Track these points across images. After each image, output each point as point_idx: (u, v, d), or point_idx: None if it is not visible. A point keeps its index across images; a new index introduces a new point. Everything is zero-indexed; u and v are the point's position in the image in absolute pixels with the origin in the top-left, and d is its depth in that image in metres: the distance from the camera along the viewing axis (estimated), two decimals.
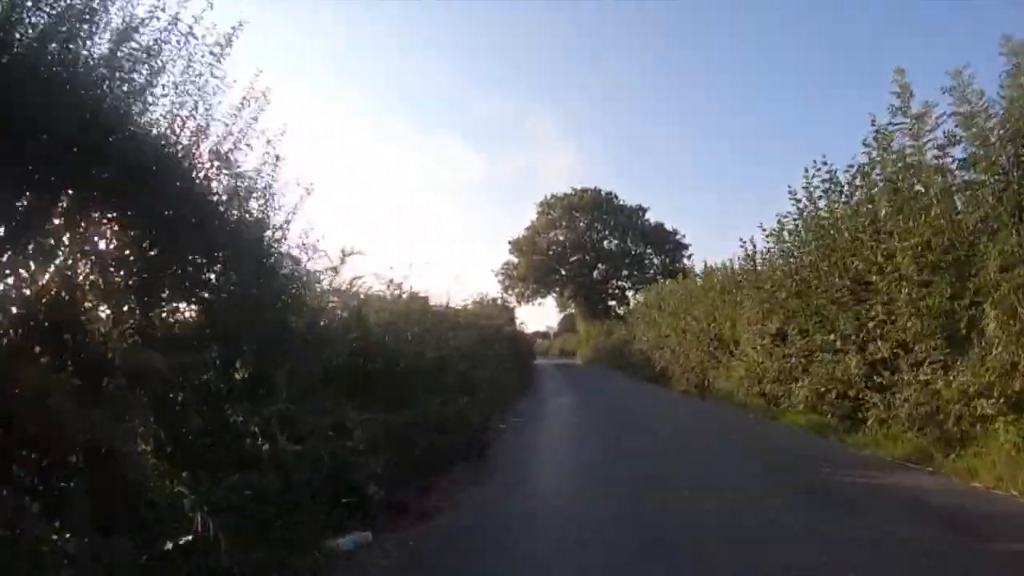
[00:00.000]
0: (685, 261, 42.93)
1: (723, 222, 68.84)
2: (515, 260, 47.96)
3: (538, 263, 46.74)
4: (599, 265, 47.91)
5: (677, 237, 47.52)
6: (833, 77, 61.27)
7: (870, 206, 9.28)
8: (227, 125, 4.95)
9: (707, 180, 73.82)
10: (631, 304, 38.94)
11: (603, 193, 47.73)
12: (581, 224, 46.82)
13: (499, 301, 28.05)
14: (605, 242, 47.52)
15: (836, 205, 10.52)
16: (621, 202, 48.11)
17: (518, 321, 32.98)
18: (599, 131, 77.35)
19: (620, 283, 48.53)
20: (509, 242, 48.41)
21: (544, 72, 75.34)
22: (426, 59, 68.85)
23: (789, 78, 63.55)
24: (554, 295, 49.80)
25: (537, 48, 72.58)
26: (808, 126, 63.06)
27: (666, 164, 72.39)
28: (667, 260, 45.98)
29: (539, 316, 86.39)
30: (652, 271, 46.00)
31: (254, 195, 5.34)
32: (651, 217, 48.43)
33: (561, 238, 47.40)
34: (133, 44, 4.08)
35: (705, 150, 71.65)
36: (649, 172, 73.57)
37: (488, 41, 71.55)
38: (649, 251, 47.09)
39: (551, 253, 46.72)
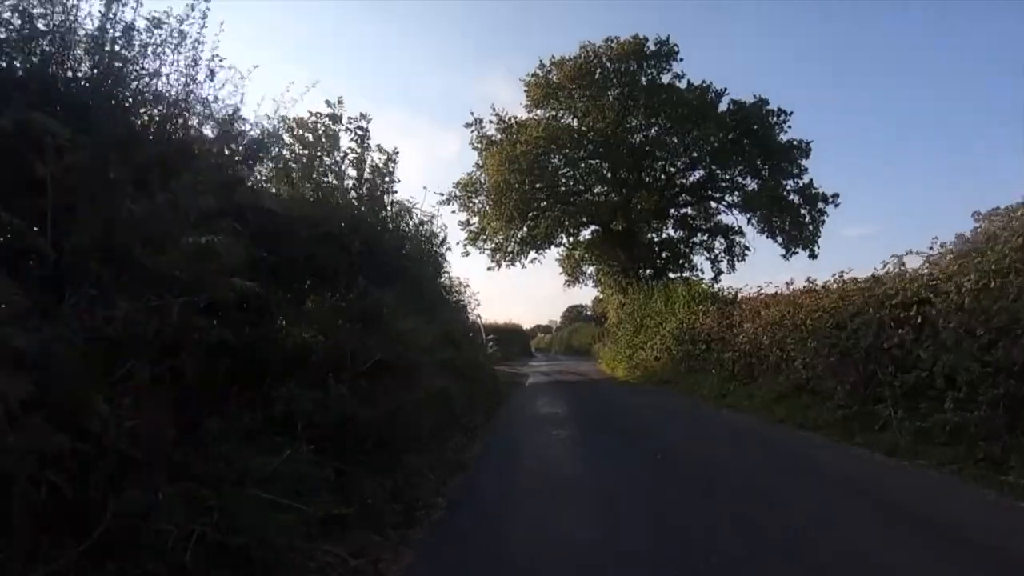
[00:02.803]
0: None
1: None
2: (478, 179, 26.81)
3: (523, 186, 24.99)
4: (654, 164, 27.00)
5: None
6: None
7: None
8: None
9: None
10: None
11: (649, 44, 26.24)
12: (610, 96, 25.70)
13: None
14: (654, 131, 26.51)
15: None
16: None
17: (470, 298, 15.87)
18: None
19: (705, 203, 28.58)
20: (473, 146, 27.09)
21: None
22: None
23: None
24: (563, 246, 29.36)
25: None
26: None
27: None
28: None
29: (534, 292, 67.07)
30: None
31: None
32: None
33: (573, 122, 26.13)
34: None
35: None
36: None
37: None
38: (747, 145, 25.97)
39: (549, 166, 25.70)
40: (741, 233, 29.33)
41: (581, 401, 13.01)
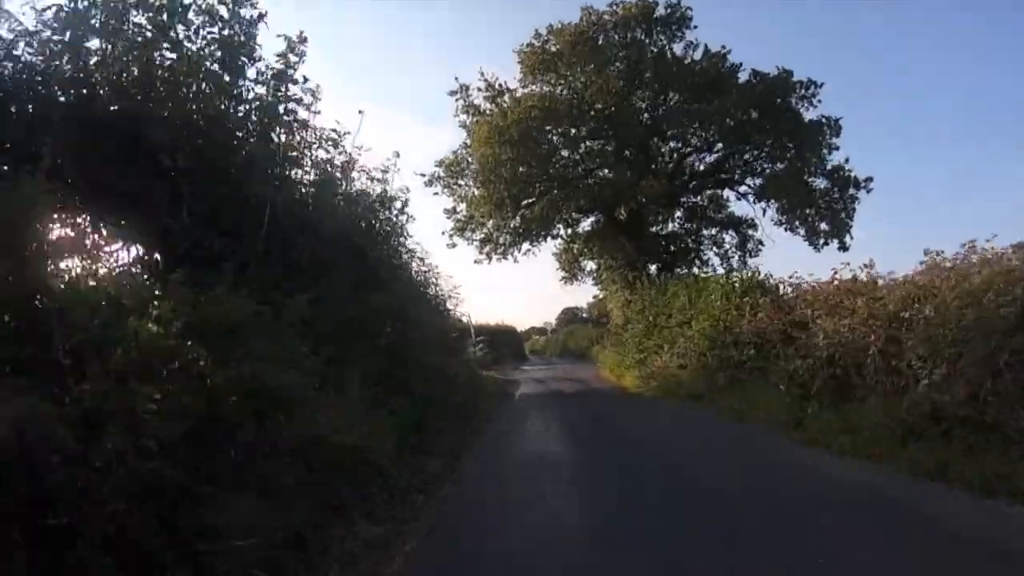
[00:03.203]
0: None
1: None
2: (464, 158, 23.20)
3: (514, 163, 21.26)
4: (663, 145, 23.79)
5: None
6: None
7: None
8: None
9: None
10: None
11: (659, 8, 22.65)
12: (615, 66, 22.14)
13: None
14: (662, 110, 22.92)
15: None
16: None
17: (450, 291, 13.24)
18: None
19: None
20: (458, 120, 23.29)
21: None
22: None
23: None
24: (560, 238, 26.09)
25: None
26: None
27: None
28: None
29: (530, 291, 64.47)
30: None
31: None
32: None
33: (573, 97, 22.37)
34: None
35: None
36: None
37: None
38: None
39: (545, 144, 22.11)
40: (754, 226, 26.25)
41: (590, 428, 9.57)
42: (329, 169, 6.48)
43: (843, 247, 23.86)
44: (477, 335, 31.80)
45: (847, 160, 23.22)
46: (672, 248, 25.54)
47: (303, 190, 6.03)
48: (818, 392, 7.46)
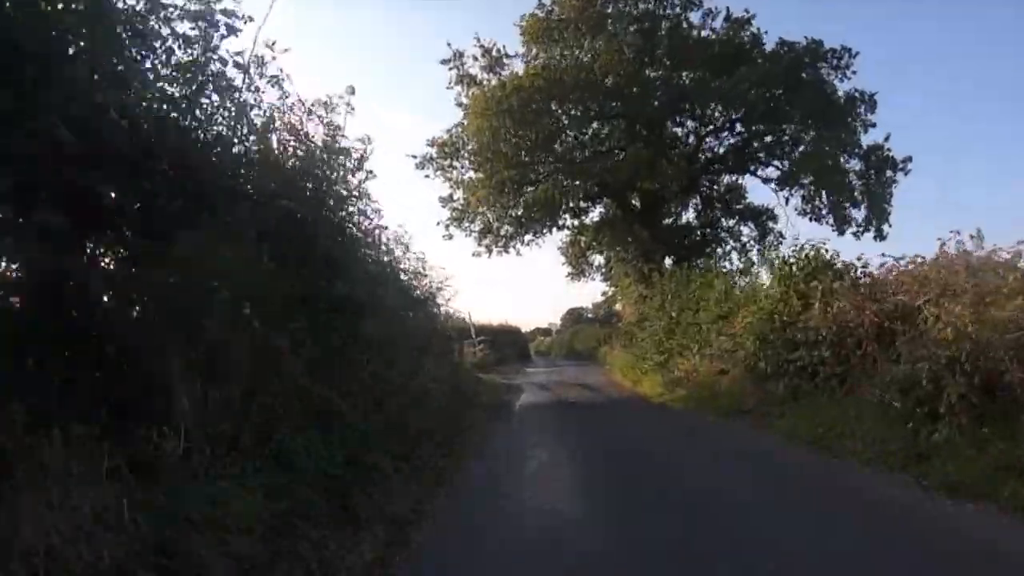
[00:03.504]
0: None
1: None
2: (459, 137, 20.46)
3: (515, 139, 18.65)
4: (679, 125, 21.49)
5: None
6: None
7: None
8: None
9: None
10: None
11: None
12: (627, 33, 19.57)
13: None
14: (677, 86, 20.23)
15: None
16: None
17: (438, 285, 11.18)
18: None
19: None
20: (457, 103, 20.68)
21: None
22: None
23: None
24: (567, 228, 23.79)
25: None
26: None
27: None
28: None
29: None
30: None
31: None
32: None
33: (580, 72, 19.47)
34: None
35: None
36: None
37: None
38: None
39: (551, 124, 19.47)
40: (774, 217, 23.80)
41: (620, 469, 6.53)
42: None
43: (879, 235, 21.42)
44: (478, 335, 29.69)
45: (887, 138, 20.79)
46: (687, 240, 23.16)
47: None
48: (951, 410, 5.11)
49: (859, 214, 21.54)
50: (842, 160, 20.76)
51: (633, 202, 21.08)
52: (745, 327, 9.48)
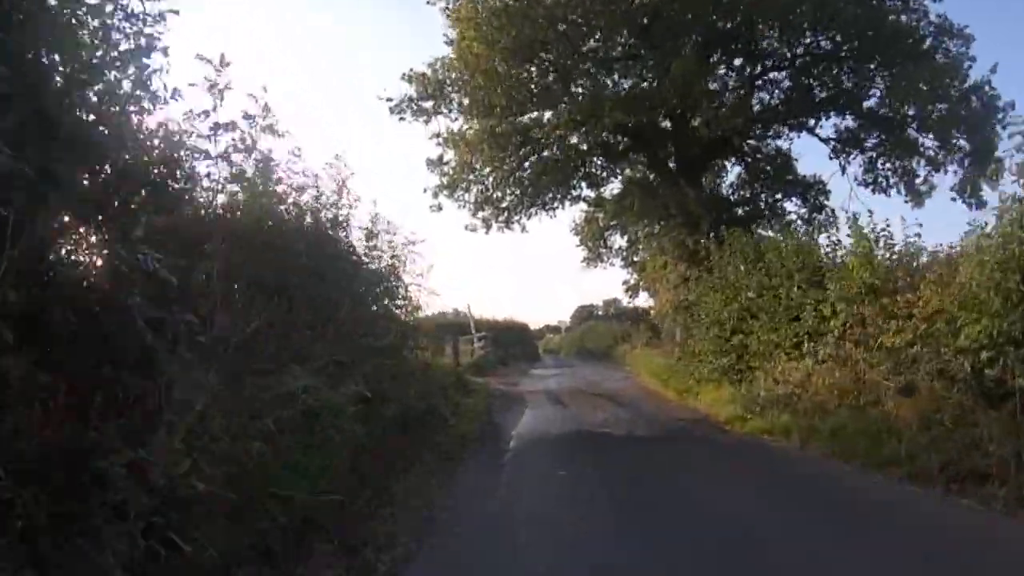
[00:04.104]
0: None
1: None
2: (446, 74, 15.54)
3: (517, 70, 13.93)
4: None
5: None
6: None
7: None
8: None
9: None
10: None
11: None
12: None
13: None
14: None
15: None
16: None
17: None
18: None
19: None
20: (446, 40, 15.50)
21: None
22: None
23: None
24: (585, 201, 19.30)
25: None
26: None
27: None
28: None
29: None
30: None
31: None
32: None
33: None
34: None
35: None
36: None
37: None
38: None
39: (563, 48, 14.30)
40: (826, 192, 18.93)
41: None
42: None
43: (978, 201, 16.41)
44: (479, 331, 25.29)
45: (992, 69, 15.66)
46: (726, 215, 18.38)
47: None
48: None
49: (946, 179, 16.72)
50: (931, 107, 15.96)
51: (668, 159, 16.40)
52: (959, 302, 4.87)
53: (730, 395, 9.10)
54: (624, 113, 13.02)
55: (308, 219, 6.70)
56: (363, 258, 8.07)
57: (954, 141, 16.09)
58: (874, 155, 17.88)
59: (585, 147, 16.32)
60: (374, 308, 7.63)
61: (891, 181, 17.66)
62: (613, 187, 19.46)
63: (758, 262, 9.58)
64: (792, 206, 19.67)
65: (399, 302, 8.75)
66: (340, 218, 7.46)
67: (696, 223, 14.69)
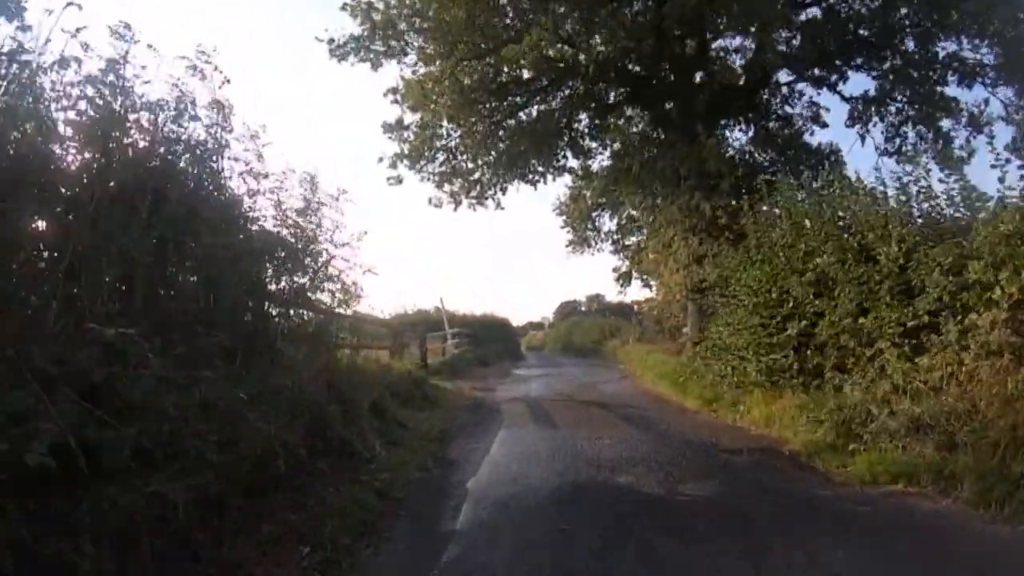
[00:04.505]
0: None
1: None
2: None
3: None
4: None
5: None
6: None
7: None
8: None
9: None
10: None
11: None
12: None
13: None
14: None
15: None
16: None
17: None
18: None
19: None
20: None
21: None
22: None
23: None
24: (572, 173, 16.60)
25: None
26: None
27: None
28: None
29: None
30: None
31: None
32: None
33: None
34: None
35: None
36: None
37: None
38: None
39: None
40: (842, 162, 16.44)
41: None
42: None
43: None
44: (455, 326, 22.41)
45: None
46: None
47: None
48: None
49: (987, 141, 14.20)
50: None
51: (670, 110, 13.47)
52: None
53: (797, 408, 6.25)
54: (628, 39, 10.09)
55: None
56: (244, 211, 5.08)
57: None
58: (898, 120, 15.62)
59: (573, 96, 13.35)
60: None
61: (920, 147, 15.30)
62: (602, 159, 16.67)
63: (831, 218, 6.73)
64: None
65: (329, 285, 5.87)
66: (207, 145, 4.48)
67: (714, 185, 11.80)
